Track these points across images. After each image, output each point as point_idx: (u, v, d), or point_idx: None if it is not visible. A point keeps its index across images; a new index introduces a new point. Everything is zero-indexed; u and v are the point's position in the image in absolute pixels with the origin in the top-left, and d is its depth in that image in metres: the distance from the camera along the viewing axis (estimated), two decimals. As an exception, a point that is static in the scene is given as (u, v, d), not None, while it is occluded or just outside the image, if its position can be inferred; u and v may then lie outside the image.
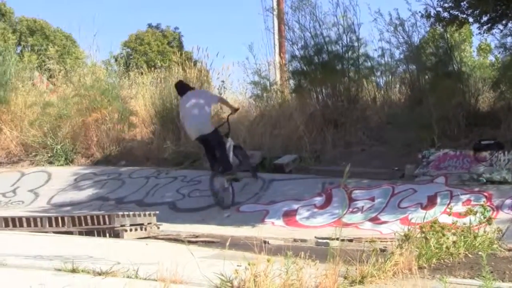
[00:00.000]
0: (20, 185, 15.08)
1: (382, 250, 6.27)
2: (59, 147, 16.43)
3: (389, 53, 15.69)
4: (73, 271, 4.91)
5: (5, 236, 8.23)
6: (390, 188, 12.05)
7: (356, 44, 15.60)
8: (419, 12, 14.77)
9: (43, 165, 16.20)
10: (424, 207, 10.93)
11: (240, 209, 12.27)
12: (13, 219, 9.29)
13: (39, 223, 9.16)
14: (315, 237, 9.41)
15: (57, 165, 16.16)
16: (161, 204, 12.74)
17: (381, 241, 8.27)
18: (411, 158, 13.34)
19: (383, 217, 11.05)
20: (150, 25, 41.82)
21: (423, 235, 6.48)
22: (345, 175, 5.58)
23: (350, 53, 15.58)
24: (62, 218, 9.18)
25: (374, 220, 11.02)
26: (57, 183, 14.88)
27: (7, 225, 9.13)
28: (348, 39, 15.54)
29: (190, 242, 8.49)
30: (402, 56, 15.76)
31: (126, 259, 5.22)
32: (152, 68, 20.42)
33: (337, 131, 14.91)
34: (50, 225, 9.11)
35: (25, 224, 9.17)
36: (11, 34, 33.28)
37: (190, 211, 12.47)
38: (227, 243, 5.16)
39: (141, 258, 5.65)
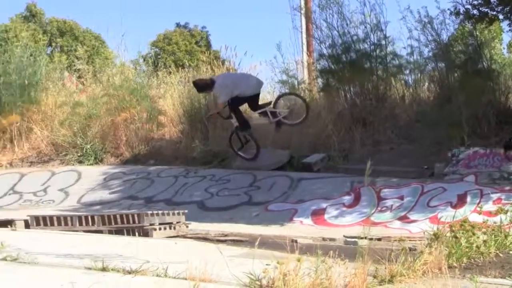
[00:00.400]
0: (51, 184, 15.22)
1: (411, 249, 6.22)
2: (88, 146, 16.55)
3: (418, 51, 15.59)
4: (103, 269, 4.94)
5: (37, 235, 8.31)
6: (419, 187, 11.98)
7: (384, 42, 15.50)
8: (448, 9, 14.69)
9: (73, 165, 16.34)
10: (454, 206, 10.84)
11: (268, 208, 12.27)
12: (44, 218, 9.37)
13: (69, 222, 9.24)
14: (344, 236, 9.37)
15: (87, 165, 16.29)
16: (190, 203, 12.77)
17: (410, 240, 8.21)
18: (440, 157, 13.25)
19: (412, 216, 10.99)
20: (178, 25, 41.91)
21: (453, 234, 6.42)
22: (367, 172, 5.54)
23: (378, 51, 15.48)
24: (92, 217, 9.24)
25: (403, 219, 10.96)
26: (87, 182, 15.00)
27: (38, 224, 9.22)
28: (376, 37, 15.46)
29: (219, 241, 8.52)
30: (431, 54, 15.64)
31: (156, 257, 5.24)
32: (180, 68, 20.47)
33: (366, 130, 14.84)
34: (80, 224, 9.18)
35: (56, 223, 9.25)
36: (41, 35, 33.60)
37: (218, 210, 12.50)
38: (256, 242, 5.16)
39: (170, 257, 5.66)
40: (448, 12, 14.64)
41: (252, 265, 4.67)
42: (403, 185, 12.16)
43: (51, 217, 9.41)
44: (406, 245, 5.74)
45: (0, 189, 15.25)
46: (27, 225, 9.33)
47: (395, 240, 7.14)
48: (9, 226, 9.02)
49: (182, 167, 14.96)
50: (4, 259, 5.32)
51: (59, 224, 9.23)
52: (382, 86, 15.53)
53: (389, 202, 11.63)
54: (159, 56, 33.81)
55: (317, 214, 11.65)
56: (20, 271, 4.89)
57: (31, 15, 36.85)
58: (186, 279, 4.47)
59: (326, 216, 11.58)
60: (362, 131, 14.77)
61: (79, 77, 20.08)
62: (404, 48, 15.73)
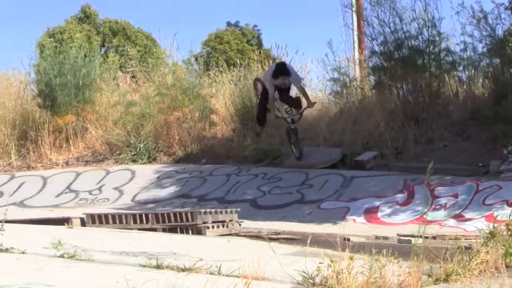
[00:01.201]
0: (105, 183, 15.43)
1: (467, 248, 6.15)
2: (142, 145, 16.73)
3: (471, 47, 15.33)
4: (158, 267, 4.99)
5: (93, 233, 8.45)
6: (474, 185, 11.81)
7: (437, 38, 15.30)
8: (503, 4, 14.40)
9: (127, 163, 16.52)
10: (510, 204, 10.66)
11: (321, 206, 12.24)
12: (99, 216, 9.51)
13: (124, 220, 9.36)
14: (397, 234, 9.31)
15: (140, 163, 16.46)
16: (242, 201, 12.81)
17: (465, 239, 8.12)
18: (496, 154, 13.03)
19: (467, 214, 10.84)
20: (228, 23, 42.06)
21: (509, 232, 6.31)
22: (428, 172, 5.48)
23: (431, 47, 15.28)
24: (146, 215, 9.35)
25: (458, 217, 10.82)
26: (141, 181, 15.16)
27: (94, 222, 9.36)
28: (429, 34, 15.26)
29: (271, 239, 8.53)
30: (485, 49, 15.37)
31: (209, 255, 5.27)
32: (232, 67, 20.55)
33: (419, 127, 14.67)
34: (135, 222, 9.29)
35: (110, 221, 9.38)
36: (96, 35, 34.08)
37: (271, 208, 12.51)
38: (308, 240, 5.15)
39: (223, 254, 5.69)
40: (503, 6, 14.38)
41: (305, 263, 4.67)
42: (458, 183, 12.00)
43: (106, 215, 9.55)
44: (461, 243, 5.66)
45: (56, 188, 15.54)
46: (83, 223, 9.48)
47: (450, 239, 7.06)
48: (66, 224, 9.19)
49: (234, 166, 15.02)
50: (62, 256, 5.41)
51: (114, 222, 9.36)
52: (435, 83, 15.32)
53: (443, 200, 11.49)
54: (210, 55, 34.01)
55: (370, 212, 11.58)
56: (77, 268, 4.97)
57: (85, 17, 37.41)
58: (239, 277, 4.49)
59: (379, 214, 11.51)
60: (415, 128, 14.61)
61: (132, 76, 20.31)
62: (457, 44, 15.51)
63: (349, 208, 11.86)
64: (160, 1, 55.43)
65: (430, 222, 10.46)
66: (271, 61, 18.05)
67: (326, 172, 13.67)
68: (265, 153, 15.30)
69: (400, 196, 11.96)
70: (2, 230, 5.56)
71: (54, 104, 17.80)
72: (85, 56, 18.63)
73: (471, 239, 8.19)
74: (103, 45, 33.24)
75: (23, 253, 5.51)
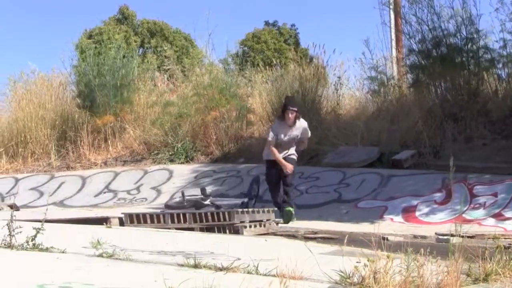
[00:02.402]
0: (144, 183, 15.56)
1: (507, 247, 6.06)
2: (179, 145, 16.83)
3: (511, 44, 15.12)
4: (195, 266, 5.01)
5: (131, 232, 8.51)
6: (514, 184, 11.66)
7: (475, 36, 15.12)
8: (544, 0, 14.20)
9: (164, 163, 16.65)
10: (551, 203, 10.52)
11: (358, 205, 12.20)
12: (137, 215, 9.58)
13: (162, 220, 9.41)
14: (436, 233, 9.21)
15: (178, 163, 16.57)
16: (280, 201, 12.80)
17: (505, 238, 8.01)
18: (537, 152, 12.85)
19: (507, 213, 10.69)
20: (267, 22, 42.13)
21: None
22: (451, 171, 5.40)
23: (469, 45, 15.11)
24: (184, 215, 9.39)
25: (497, 216, 10.68)
26: (178, 180, 15.25)
27: (132, 222, 9.43)
28: (467, 31, 15.09)
29: (308, 238, 8.51)
30: (525, 46, 15.17)
31: (246, 255, 5.29)
32: (268, 66, 20.57)
33: (457, 126, 14.52)
34: (173, 221, 9.33)
35: (149, 221, 9.44)
36: (134, 36, 34.40)
37: (308, 207, 12.49)
38: (346, 240, 5.13)
39: (260, 254, 5.71)
40: (545, 2, 14.18)
41: (342, 263, 4.66)
42: (497, 182, 11.85)
43: (144, 215, 9.62)
44: (500, 243, 5.59)
45: (95, 188, 15.72)
46: (121, 223, 9.56)
47: (489, 238, 6.97)
48: (104, 223, 9.28)
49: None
50: (101, 255, 5.47)
51: (152, 221, 9.42)
52: (474, 81, 15.15)
53: (482, 199, 11.35)
54: (247, 55, 34.08)
55: (408, 212, 11.50)
56: (116, 267, 5.03)
57: (123, 18, 37.76)
58: (276, 276, 4.49)
59: (417, 213, 11.42)
60: (453, 127, 14.46)
61: (170, 77, 20.44)
62: (497, 41, 15.32)
63: (386, 207, 11.79)
64: (198, 1, 55.83)
65: (469, 221, 10.35)
66: (307, 60, 18.03)
67: (363, 171, 13.62)
68: (302, 152, 15.26)
69: (438, 195, 11.85)
70: (43, 230, 5.63)
71: (93, 105, 18.05)
72: (124, 57, 18.82)
73: (511, 238, 8.08)
74: (141, 46, 33.56)
75: (62, 252, 5.58)
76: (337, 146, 15.07)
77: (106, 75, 18.18)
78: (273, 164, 11.52)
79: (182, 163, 16.58)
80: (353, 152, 14.50)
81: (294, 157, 11.70)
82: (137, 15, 38.35)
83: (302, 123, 11.67)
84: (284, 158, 11.46)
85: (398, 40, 18.40)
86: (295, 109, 11.53)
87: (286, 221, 10.94)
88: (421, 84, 15.87)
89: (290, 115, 11.40)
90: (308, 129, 11.80)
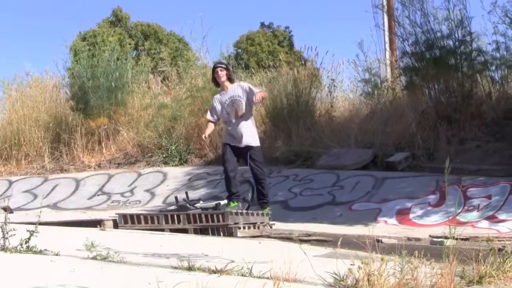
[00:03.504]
0: (137, 185, 15.56)
1: (500, 250, 6.06)
2: (173, 147, 16.84)
3: (504, 47, 15.16)
4: (189, 269, 5.00)
5: (125, 234, 8.50)
6: (508, 186, 11.67)
7: (468, 38, 15.15)
8: (537, 2, 14.23)
9: (158, 166, 16.66)
10: (545, 205, 10.54)
11: (352, 207, 12.20)
12: (131, 216, 9.58)
13: (156, 221, 9.41)
14: (430, 235, 9.23)
15: (172, 165, 16.57)
16: (274, 203, 12.73)
17: (499, 240, 8.02)
18: (530, 154, 12.88)
19: (501, 216, 10.71)
20: (262, 24, 42.15)
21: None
22: (446, 173, 5.40)
23: (462, 47, 15.14)
24: (178, 216, 9.38)
25: (491, 218, 10.70)
26: (172, 183, 15.26)
27: (126, 222, 9.43)
28: (460, 34, 15.12)
29: (302, 241, 8.50)
30: (518, 49, 15.20)
31: (240, 257, 5.27)
32: (262, 68, 20.57)
33: (451, 128, 14.55)
34: (167, 222, 9.33)
35: (143, 222, 9.44)
36: (128, 39, 34.37)
37: (302, 209, 12.49)
38: (339, 242, 5.13)
39: (254, 256, 5.70)
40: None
41: (336, 265, 4.65)
42: (491, 184, 11.88)
43: (138, 216, 9.62)
44: (494, 245, 5.60)
45: (89, 190, 15.71)
46: (115, 225, 9.55)
47: (483, 240, 6.98)
48: (98, 226, 9.26)
49: (265, 167, 14.98)
50: (95, 258, 5.46)
51: (146, 222, 9.42)
52: (467, 83, 15.16)
53: (476, 201, 11.37)
54: (241, 57, 34.08)
55: (402, 214, 11.51)
56: (110, 269, 5.01)
57: (117, 20, 37.75)
58: (270, 278, 4.49)
59: (411, 215, 11.43)
60: (447, 129, 14.49)
61: (164, 79, 20.44)
62: (489, 44, 15.36)
63: (380, 210, 11.80)
64: (192, 3, 55.85)
65: (463, 223, 10.39)
66: (301, 63, 18.05)
67: (357, 173, 13.63)
68: (296, 154, 15.32)
69: (432, 197, 11.87)
70: (36, 232, 5.62)
71: (87, 107, 18.04)
72: (118, 59, 18.80)
73: (504, 240, 8.09)
74: (135, 49, 33.53)
75: (56, 255, 5.57)
76: (331, 148, 15.09)
77: (100, 78, 18.16)
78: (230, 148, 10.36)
79: (176, 165, 16.58)
80: (347, 154, 14.52)
81: (251, 140, 10.24)
82: (130, 18, 38.40)
83: (240, 84, 10.64)
84: (239, 147, 10.23)
85: (391, 43, 18.45)
86: (223, 65, 10.55)
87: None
88: (415, 86, 15.88)
89: (219, 73, 10.30)
90: (253, 86, 10.58)
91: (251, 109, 10.45)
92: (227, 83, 10.33)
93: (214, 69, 10.53)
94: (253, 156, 10.19)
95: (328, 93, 17.61)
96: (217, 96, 10.67)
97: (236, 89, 10.25)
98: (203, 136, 10.72)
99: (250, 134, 10.25)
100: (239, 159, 10.36)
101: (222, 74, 10.30)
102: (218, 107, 10.42)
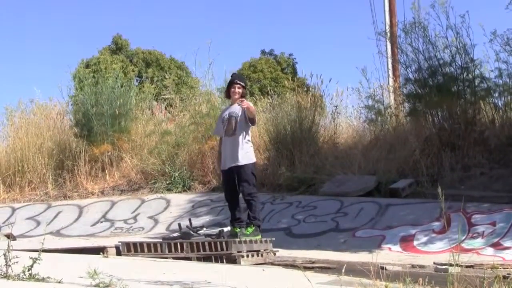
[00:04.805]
0: (141, 212, 15.53)
1: (505, 277, 6.03)
2: (177, 174, 16.83)
3: (506, 73, 15.19)
4: (193, 296, 4.98)
5: (128, 262, 8.47)
6: (512, 213, 11.65)
7: (470, 65, 15.19)
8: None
9: (162, 192, 16.63)
10: (551, 232, 10.50)
11: (356, 234, 12.16)
12: (134, 244, 9.54)
13: (159, 249, 9.38)
14: (434, 263, 9.19)
15: (175, 192, 16.55)
16: (277, 230, 12.77)
17: (504, 268, 7.99)
18: (535, 181, 12.84)
19: (506, 243, 10.67)
20: (263, 51, 42.29)
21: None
22: (442, 199, 5.39)
23: (465, 74, 15.18)
24: (181, 244, 9.35)
25: (496, 245, 10.65)
26: (175, 210, 15.23)
27: (129, 250, 9.39)
28: (463, 61, 15.16)
29: (306, 268, 8.47)
30: (520, 75, 15.22)
31: (243, 285, 5.25)
32: (265, 95, 20.63)
33: (455, 154, 14.53)
34: (170, 250, 9.30)
35: (146, 250, 9.41)
36: (131, 66, 34.56)
37: (305, 236, 12.46)
38: (343, 269, 5.11)
39: (258, 284, 5.68)
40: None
41: (340, 293, 4.64)
42: (495, 211, 11.83)
43: (141, 244, 9.58)
44: (499, 272, 5.57)
45: (92, 217, 15.68)
46: (118, 252, 9.51)
47: (488, 268, 6.95)
48: (101, 253, 9.22)
49: (269, 194, 15.01)
50: (97, 285, 5.43)
51: (149, 250, 9.39)
52: (470, 110, 15.17)
53: (480, 228, 11.33)
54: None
55: (406, 241, 11.47)
56: (112, 297, 4.99)
57: (117, 48, 37.98)
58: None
59: (415, 242, 11.39)
60: (451, 155, 14.47)
61: (168, 105, 20.49)
62: (492, 71, 15.41)
63: (384, 236, 11.76)
64: (193, 30, 56.16)
65: (467, 250, 10.33)
66: (304, 89, 18.10)
67: (361, 200, 13.60)
68: (299, 181, 15.30)
69: (436, 224, 11.83)
70: (39, 260, 5.60)
71: (90, 134, 18.06)
72: (121, 86, 18.87)
73: (509, 268, 8.05)
74: (138, 76, 33.70)
75: (59, 282, 5.54)
76: (335, 175, 15.06)
77: (103, 104, 18.20)
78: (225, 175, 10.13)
79: (179, 192, 16.57)
80: (350, 181, 14.49)
81: (240, 158, 9.84)
82: (130, 44, 38.63)
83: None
84: (229, 169, 9.91)
85: (394, 70, 18.53)
86: (242, 83, 10.10)
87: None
88: (418, 113, 15.89)
89: (236, 90, 9.96)
90: (251, 105, 10.05)
91: (247, 128, 10.05)
92: (236, 100, 9.98)
93: (232, 83, 10.08)
94: (242, 173, 9.84)
95: (331, 120, 17.64)
96: (222, 111, 10.69)
97: (238, 108, 9.96)
98: (219, 167, 10.44)
99: (238, 153, 9.84)
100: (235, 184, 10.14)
101: (238, 92, 9.96)
102: (220, 122, 10.23)
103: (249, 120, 9.89)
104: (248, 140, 10.02)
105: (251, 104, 9.98)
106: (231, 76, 10.56)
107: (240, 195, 9.98)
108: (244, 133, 9.94)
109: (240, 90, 9.98)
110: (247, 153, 9.91)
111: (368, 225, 12.46)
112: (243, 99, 9.80)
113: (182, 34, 60.37)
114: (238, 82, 10.03)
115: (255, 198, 9.93)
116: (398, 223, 12.25)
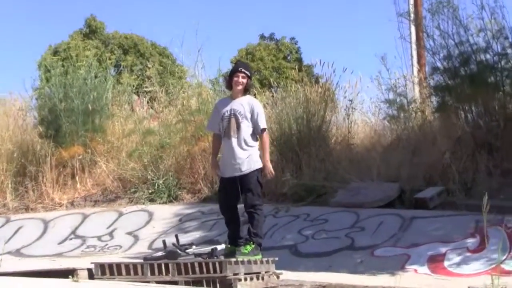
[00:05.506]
0: (118, 227, 15.49)
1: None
2: (161, 182, 16.78)
3: (554, 61, 15.14)
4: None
5: (103, 286, 8.40)
6: (561, 226, 11.62)
7: (510, 51, 15.11)
8: None
9: (143, 203, 16.62)
10: None
11: (375, 253, 12.10)
12: (110, 266, 9.45)
13: (139, 271, 9.29)
14: (469, 287, 9.14)
15: (159, 203, 16.54)
16: (281, 248, 12.72)
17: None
18: None
19: (553, 263, 10.64)
20: (262, 36, 42.29)
21: None
22: (485, 212, 5.32)
23: (503, 62, 15.10)
24: (166, 265, 9.26)
25: (542, 266, 10.62)
26: (159, 224, 15.19)
27: (104, 273, 9.29)
28: (500, 46, 15.09)
29: (316, 293, 8.42)
30: None
31: (241, 315, 5.18)
32: (267, 88, 20.59)
33: (492, 157, 14.49)
34: (153, 273, 9.21)
35: (124, 272, 9.31)
36: (108, 53, 34.56)
37: (315, 256, 12.41)
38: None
39: (258, 314, 5.60)
40: None
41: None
42: (541, 225, 11.82)
43: (118, 265, 9.48)
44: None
45: (60, 233, 15.60)
46: (91, 275, 9.43)
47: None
48: (70, 276, 9.15)
49: (271, 205, 14.93)
50: (64, 316, 5.37)
51: (128, 273, 9.29)
52: (510, 104, 15.12)
53: (524, 246, 11.31)
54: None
55: (435, 261, 11.40)
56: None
57: (91, 31, 37.99)
58: None
59: (445, 263, 11.33)
60: (487, 159, 14.44)
61: (150, 100, 20.43)
62: (536, 58, 15.34)
63: (409, 256, 11.69)
64: (178, 11, 56.17)
65: (508, 272, 10.29)
66: (312, 80, 18.04)
67: (380, 212, 13.56)
68: (307, 189, 15.26)
69: (471, 241, 11.77)
70: (-6, 285, 5.52)
71: (58, 134, 18.01)
72: (96, 77, 18.80)
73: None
74: (116, 65, 33.69)
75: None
76: (349, 182, 15.06)
77: (74, 99, 18.13)
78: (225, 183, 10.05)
79: (164, 203, 16.54)
80: (368, 190, 14.47)
81: (246, 165, 9.73)
82: (106, 28, 38.66)
83: (251, 100, 10.11)
84: (231, 178, 9.81)
85: (420, 57, 18.52)
86: (248, 73, 10.02)
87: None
88: (448, 108, 15.82)
89: (240, 80, 9.86)
90: (261, 113, 9.97)
91: (252, 129, 9.86)
92: (240, 93, 9.95)
93: (235, 71, 9.98)
94: (245, 182, 9.74)
95: (345, 117, 17.60)
96: (219, 102, 10.45)
97: (243, 103, 9.88)
98: (214, 172, 10.53)
99: (241, 159, 9.73)
100: (238, 194, 10.05)
101: (243, 83, 9.87)
102: (217, 116, 10.08)
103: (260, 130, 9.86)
104: (253, 142, 9.93)
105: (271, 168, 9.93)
106: (235, 64, 10.56)
107: (240, 205, 9.93)
108: (249, 134, 9.86)
109: (245, 80, 9.89)
110: (252, 157, 9.82)
111: (390, 242, 12.39)
112: (271, 170, 9.83)
113: (166, 16, 60.43)
114: (243, 70, 9.93)
115: (259, 211, 9.87)
116: (425, 239, 12.18)
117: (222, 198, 10.15)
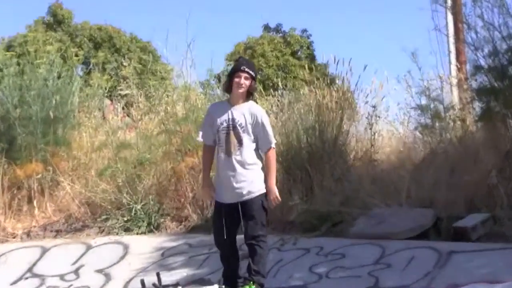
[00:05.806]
0: (85, 263, 15.41)
1: None
2: (139, 207, 16.71)
3: None
4: None
5: None
6: None
7: None
8: None
9: (117, 234, 16.59)
10: None
11: (405, 295, 12.04)
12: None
13: (111, 320, 9.24)
14: None
15: (137, 233, 16.52)
16: (287, 289, 12.65)
17: None
18: None
19: None
20: (267, 27, 42.28)
21: None
22: None
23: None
24: (144, 314, 9.22)
25: None
26: (137, 260, 15.13)
27: (66, 323, 9.25)
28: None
29: None
30: None
31: None
32: (272, 90, 20.56)
33: (549, 177, 14.46)
34: (127, 322, 9.16)
35: (91, 322, 9.27)
36: (74, 48, 34.58)
37: (329, 299, 12.33)
38: None
39: None
40: None
41: None
42: None
43: (84, 313, 9.45)
44: None
45: (13, 271, 15.50)
46: (50, 325, 9.38)
47: None
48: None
49: (275, 235, 14.87)
50: None
51: (97, 323, 9.24)
52: None
53: None
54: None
55: (479, 306, 11.33)
56: None
57: (56, 21, 38.02)
58: None
59: (493, 308, 11.26)
60: (544, 179, 14.41)
61: (127, 105, 20.40)
62: None
63: (447, 299, 11.63)
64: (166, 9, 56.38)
65: None
66: (326, 81, 17.99)
67: (411, 245, 13.47)
68: (320, 217, 15.18)
69: (524, 282, 11.69)
70: None
71: (11, 148, 17.97)
72: (59, 77, 18.77)
73: None
74: (85, 62, 33.69)
75: None
76: (372, 207, 15.02)
77: (32, 104, 18.12)
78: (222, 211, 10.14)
79: (142, 233, 16.52)
80: (395, 217, 14.42)
81: (249, 188, 9.91)
82: (74, 17, 38.72)
83: (254, 109, 10.15)
84: (231, 204, 9.97)
85: (459, 53, 18.52)
86: (252, 73, 10.08)
87: None
88: (494, 116, 15.78)
89: (242, 80, 9.95)
90: (268, 126, 10.12)
91: (255, 144, 10.02)
92: (241, 98, 10.01)
93: (236, 70, 10.05)
94: (247, 209, 9.85)
95: (367, 127, 17.53)
96: (213, 107, 10.44)
97: (245, 112, 9.95)
98: (207, 194, 10.56)
99: (244, 183, 9.85)
100: (238, 223, 10.02)
101: (245, 85, 9.94)
102: (210, 124, 10.11)
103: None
104: (257, 160, 9.87)
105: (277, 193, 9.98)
106: (237, 61, 10.54)
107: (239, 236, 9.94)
108: (252, 150, 9.83)
109: (248, 82, 9.96)
110: (256, 180, 9.84)
111: (423, 282, 12.29)
112: (277, 195, 9.90)
113: (149, 4, 60.63)
114: (247, 70, 9.93)
115: (262, 243, 9.92)
116: (467, 279, 12.06)
117: (218, 227, 10.08)
